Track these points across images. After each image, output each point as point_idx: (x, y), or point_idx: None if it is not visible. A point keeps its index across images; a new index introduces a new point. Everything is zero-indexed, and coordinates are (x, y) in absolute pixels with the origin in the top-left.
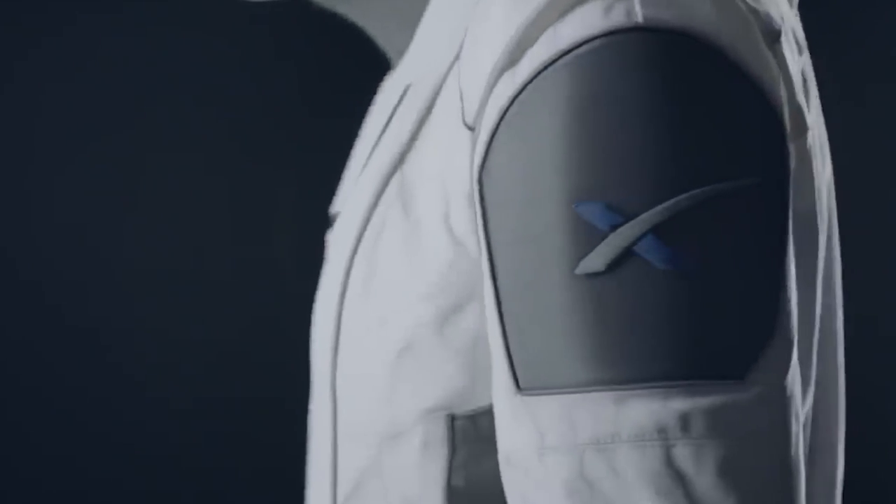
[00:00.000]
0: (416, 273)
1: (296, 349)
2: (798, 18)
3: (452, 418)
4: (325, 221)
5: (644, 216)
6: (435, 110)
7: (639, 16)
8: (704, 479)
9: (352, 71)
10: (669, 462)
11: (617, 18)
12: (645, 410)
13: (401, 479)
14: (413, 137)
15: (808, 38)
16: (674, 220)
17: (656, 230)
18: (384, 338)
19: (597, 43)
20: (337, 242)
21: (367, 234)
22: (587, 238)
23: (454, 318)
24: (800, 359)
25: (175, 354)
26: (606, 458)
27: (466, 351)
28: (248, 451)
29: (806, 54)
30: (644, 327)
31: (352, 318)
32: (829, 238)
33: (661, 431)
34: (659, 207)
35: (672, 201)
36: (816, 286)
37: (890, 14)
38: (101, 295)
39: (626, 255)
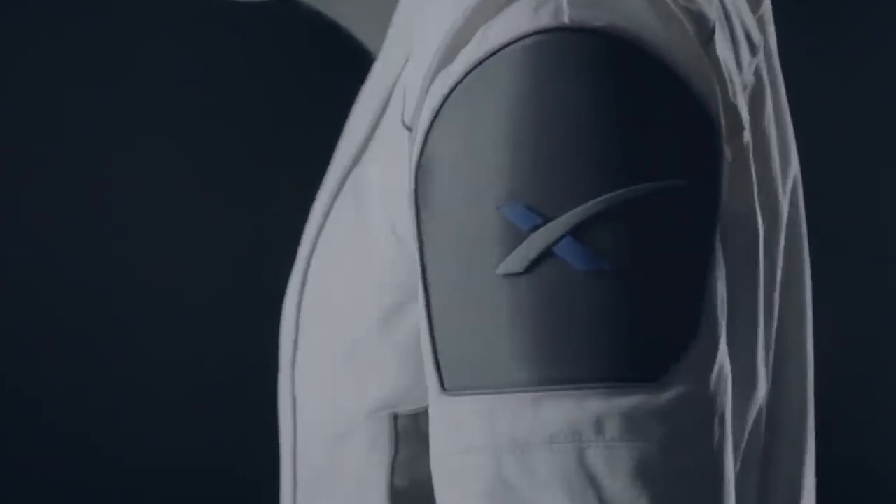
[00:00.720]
0: (364, 271)
1: None
2: (765, 19)
3: (395, 417)
4: None
5: (563, 217)
6: (388, 109)
7: (566, 15)
8: (617, 482)
9: (351, 69)
10: (582, 464)
11: (544, 18)
12: (560, 412)
13: (349, 478)
14: (368, 136)
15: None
16: (592, 221)
17: (575, 231)
18: (334, 336)
19: (525, 42)
20: (305, 239)
21: (324, 231)
22: (509, 239)
23: (397, 316)
24: (740, 360)
25: (173, 354)
26: (523, 460)
27: (409, 350)
28: (244, 451)
29: (766, 55)
30: (562, 329)
31: (308, 315)
32: (795, 236)
33: (575, 433)
34: (578, 209)
35: (591, 202)
36: (759, 286)
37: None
38: (100, 295)
39: (545, 256)
